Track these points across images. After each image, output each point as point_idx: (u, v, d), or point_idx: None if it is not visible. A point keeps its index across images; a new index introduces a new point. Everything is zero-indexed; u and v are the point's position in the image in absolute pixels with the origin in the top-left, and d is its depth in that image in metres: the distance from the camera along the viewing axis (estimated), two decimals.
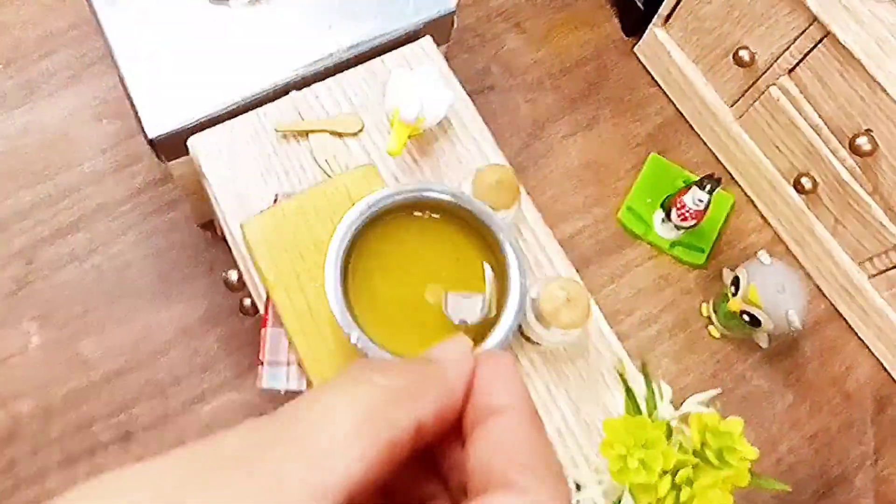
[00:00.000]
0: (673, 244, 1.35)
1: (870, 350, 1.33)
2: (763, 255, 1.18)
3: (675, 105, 1.47)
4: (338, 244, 0.62)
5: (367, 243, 0.66)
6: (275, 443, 0.20)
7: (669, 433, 0.59)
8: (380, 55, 0.86)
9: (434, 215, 0.67)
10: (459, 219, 0.67)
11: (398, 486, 0.25)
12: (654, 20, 1.42)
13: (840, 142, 1.18)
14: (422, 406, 0.22)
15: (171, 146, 0.86)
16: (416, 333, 0.62)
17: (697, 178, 1.24)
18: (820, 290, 1.36)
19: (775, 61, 1.21)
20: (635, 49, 1.51)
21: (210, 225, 1.23)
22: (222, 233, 1.10)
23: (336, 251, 0.62)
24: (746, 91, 1.30)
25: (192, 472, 0.19)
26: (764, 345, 1.28)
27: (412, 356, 0.45)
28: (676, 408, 0.62)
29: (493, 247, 0.65)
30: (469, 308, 0.62)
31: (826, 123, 1.19)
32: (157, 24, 0.89)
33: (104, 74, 1.34)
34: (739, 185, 1.43)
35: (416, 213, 0.67)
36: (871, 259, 1.24)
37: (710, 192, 1.21)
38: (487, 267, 0.65)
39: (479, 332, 0.64)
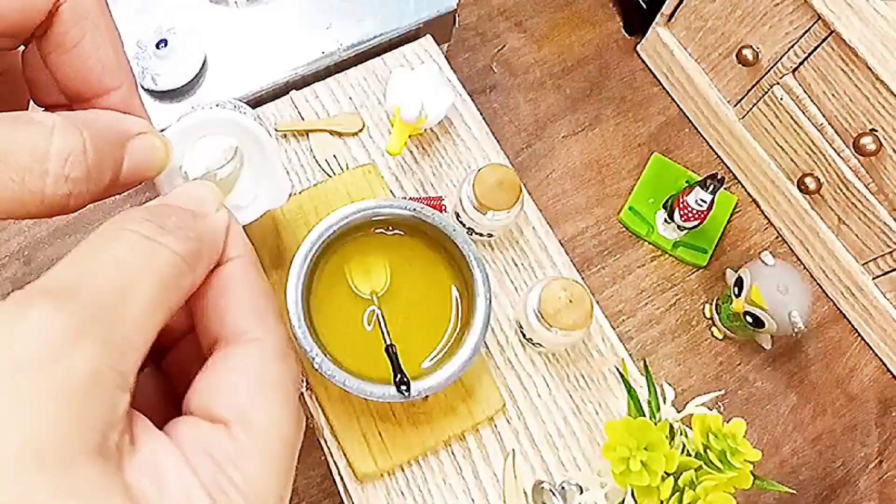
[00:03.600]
0: (675, 245, 1.34)
1: (874, 352, 1.32)
2: (766, 256, 1.17)
3: (677, 105, 1.47)
4: (298, 270, 0.62)
5: (330, 264, 0.65)
6: (74, 335, 0.18)
7: (672, 435, 0.59)
8: (380, 54, 0.86)
9: (398, 231, 0.67)
10: (423, 234, 0.66)
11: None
12: (656, 19, 1.41)
13: (844, 141, 1.17)
14: (202, 269, 0.23)
15: None
16: (380, 352, 0.62)
17: (700, 179, 1.23)
18: (823, 291, 1.35)
19: (779, 60, 1.21)
20: (638, 48, 1.50)
21: None
22: None
23: (297, 276, 0.62)
24: (750, 90, 1.30)
25: None
26: (767, 346, 1.27)
27: (377, 378, 0.47)
28: (679, 410, 0.61)
29: (458, 261, 0.65)
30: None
31: (830, 123, 1.18)
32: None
33: None
34: (742, 186, 1.42)
35: (379, 231, 0.67)
36: (875, 260, 1.23)
37: (713, 193, 1.20)
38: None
39: (448, 349, 0.63)
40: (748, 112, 1.32)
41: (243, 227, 0.56)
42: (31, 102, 0.31)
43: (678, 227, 1.29)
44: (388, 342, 0.61)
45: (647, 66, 1.50)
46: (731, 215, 1.39)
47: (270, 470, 0.20)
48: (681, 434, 0.59)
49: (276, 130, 0.79)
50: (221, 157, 0.51)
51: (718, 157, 1.44)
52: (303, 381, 0.70)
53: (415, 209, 0.65)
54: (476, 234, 0.72)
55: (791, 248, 1.38)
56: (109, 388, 0.18)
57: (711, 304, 1.31)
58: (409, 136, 0.76)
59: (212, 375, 0.22)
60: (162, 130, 0.34)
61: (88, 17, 0.28)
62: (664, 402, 0.62)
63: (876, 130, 1.10)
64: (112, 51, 0.29)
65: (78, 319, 0.18)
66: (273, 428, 0.21)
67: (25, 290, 0.19)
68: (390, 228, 0.67)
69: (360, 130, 0.80)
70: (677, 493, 0.54)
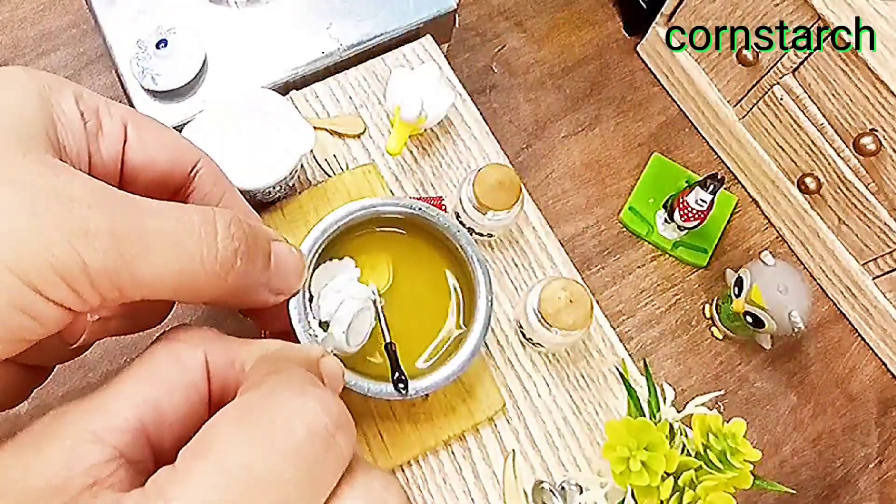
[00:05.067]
0: (675, 245, 1.34)
1: (874, 352, 1.32)
2: (766, 256, 1.17)
3: (677, 104, 1.47)
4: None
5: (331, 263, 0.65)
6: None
7: (672, 435, 0.59)
8: (380, 54, 0.86)
9: (401, 230, 0.67)
10: (426, 233, 0.66)
11: None
12: (656, 19, 1.41)
13: (844, 141, 1.17)
14: None
15: None
16: (381, 352, 0.62)
17: (700, 179, 1.23)
18: (823, 291, 1.35)
19: (779, 60, 1.21)
20: (638, 48, 1.50)
21: None
22: None
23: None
24: (750, 90, 1.30)
25: None
26: (767, 346, 1.27)
27: (377, 376, 0.48)
28: (679, 410, 0.61)
29: (460, 261, 0.65)
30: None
31: (830, 123, 1.18)
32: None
33: (102, 73, 1.33)
34: (742, 186, 1.42)
35: (382, 229, 0.67)
36: (875, 260, 1.23)
37: (713, 193, 1.20)
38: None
39: (447, 349, 0.63)
40: (748, 112, 1.32)
41: (290, 172, 0.59)
42: None
43: (678, 227, 1.29)
44: (388, 340, 0.61)
45: (647, 66, 1.50)
46: (731, 215, 1.39)
47: (211, 498, 0.18)
48: (681, 434, 0.59)
49: None
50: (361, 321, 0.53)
51: (718, 157, 1.44)
52: None
53: (420, 209, 0.65)
54: (476, 234, 0.73)
55: (791, 248, 1.38)
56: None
57: (711, 304, 1.31)
58: (409, 136, 0.76)
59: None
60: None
61: (221, 177, 0.31)
62: (664, 402, 0.62)
63: (876, 130, 1.10)
64: (241, 198, 0.33)
65: None
66: (226, 456, 0.19)
67: None
68: (393, 227, 0.67)
69: (363, 133, 0.80)
70: (677, 493, 0.54)
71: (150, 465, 0.22)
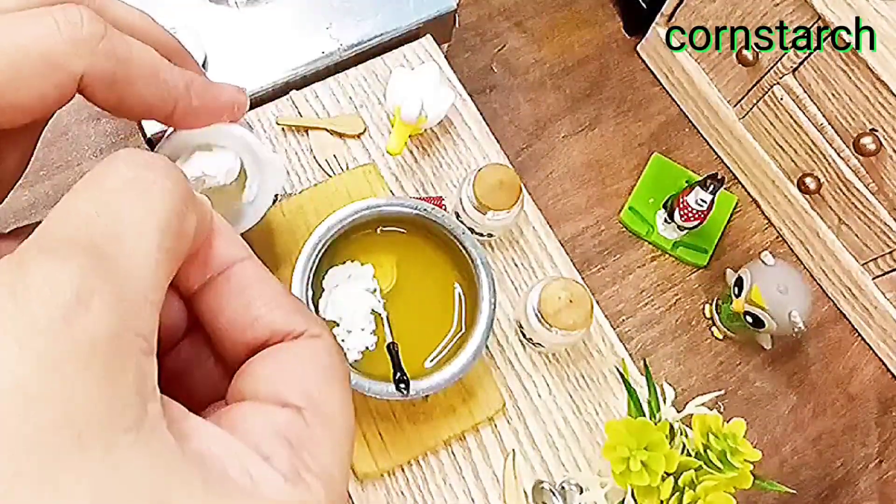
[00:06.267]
0: (675, 245, 1.34)
1: (874, 352, 1.32)
2: (766, 256, 1.17)
3: (677, 105, 1.47)
4: (304, 264, 0.62)
5: (336, 260, 0.65)
6: (86, 294, 0.15)
7: (672, 435, 0.59)
8: (380, 54, 0.86)
9: (403, 230, 0.67)
10: (429, 234, 0.66)
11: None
12: (656, 19, 1.41)
13: (844, 141, 1.17)
14: (194, 220, 0.20)
15: None
16: (384, 350, 0.62)
17: (700, 179, 1.23)
18: (823, 291, 1.35)
19: (779, 60, 1.21)
20: (638, 48, 1.50)
21: None
22: None
23: (303, 271, 0.61)
24: (750, 90, 1.30)
25: None
26: (767, 346, 1.27)
27: (379, 376, 0.46)
28: (679, 410, 0.61)
29: (464, 263, 0.65)
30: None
31: (830, 123, 1.18)
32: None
33: None
34: (743, 186, 1.42)
35: (385, 229, 0.67)
36: (875, 260, 1.23)
37: (713, 193, 1.20)
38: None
39: (451, 350, 0.63)
40: (748, 112, 1.32)
41: (262, 216, 0.54)
42: None
43: (678, 227, 1.29)
44: (391, 340, 0.61)
45: (647, 66, 1.50)
46: (731, 215, 1.39)
47: (339, 458, 0.19)
48: (681, 434, 0.59)
49: (277, 124, 0.79)
50: (220, 172, 0.49)
51: (718, 157, 1.44)
52: None
53: (425, 209, 0.65)
54: (476, 234, 0.73)
55: (791, 248, 1.38)
56: (134, 353, 0.15)
57: (711, 304, 1.31)
58: (409, 136, 0.76)
59: (276, 365, 0.21)
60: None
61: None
62: (664, 402, 0.62)
63: (876, 130, 1.10)
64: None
65: (83, 275, 0.15)
66: (340, 417, 0.20)
67: (17, 252, 0.15)
68: (395, 227, 0.67)
69: (363, 133, 0.80)
70: (677, 493, 0.54)
71: None
